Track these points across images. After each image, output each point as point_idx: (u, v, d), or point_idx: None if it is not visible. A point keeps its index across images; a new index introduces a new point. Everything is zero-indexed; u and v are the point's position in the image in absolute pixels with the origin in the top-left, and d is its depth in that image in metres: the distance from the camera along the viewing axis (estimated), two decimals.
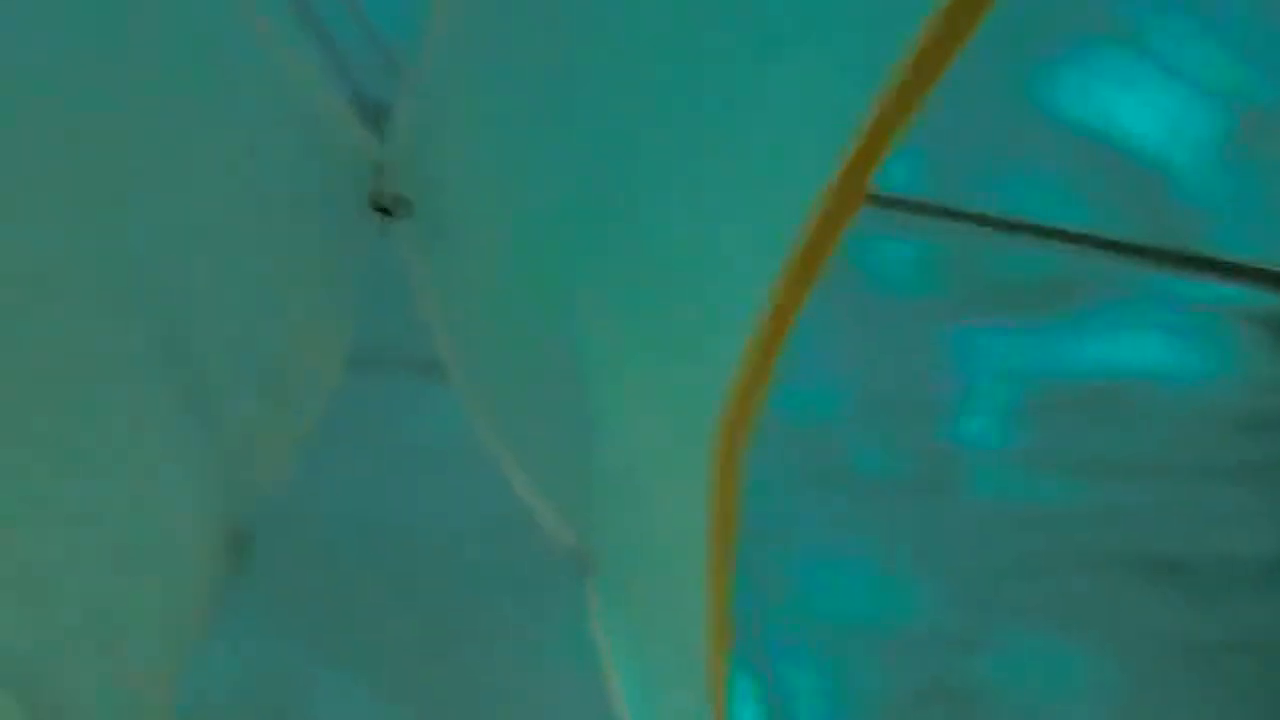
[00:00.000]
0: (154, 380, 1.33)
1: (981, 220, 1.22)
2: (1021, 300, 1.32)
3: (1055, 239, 1.24)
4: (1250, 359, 1.36)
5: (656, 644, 1.39)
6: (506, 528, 1.49)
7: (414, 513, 1.50)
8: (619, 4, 1.12)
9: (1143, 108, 1.15)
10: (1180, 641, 1.37)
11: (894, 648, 1.37)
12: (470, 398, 1.43)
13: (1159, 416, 1.38)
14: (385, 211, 1.34)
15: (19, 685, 1.21)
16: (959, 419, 1.36)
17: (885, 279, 1.25)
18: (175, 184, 1.25)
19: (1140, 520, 1.37)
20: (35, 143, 1.15)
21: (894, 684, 1.36)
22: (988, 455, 1.37)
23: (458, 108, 1.25)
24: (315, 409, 1.45)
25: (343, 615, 1.49)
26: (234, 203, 1.30)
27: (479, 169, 1.27)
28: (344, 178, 1.33)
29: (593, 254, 1.23)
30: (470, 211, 1.31)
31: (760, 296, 1.16)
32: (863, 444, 1.37)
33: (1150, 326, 1.35)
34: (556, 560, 1.49)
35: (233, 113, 1.25)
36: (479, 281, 1.35)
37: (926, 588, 1.39)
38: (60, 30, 1.11)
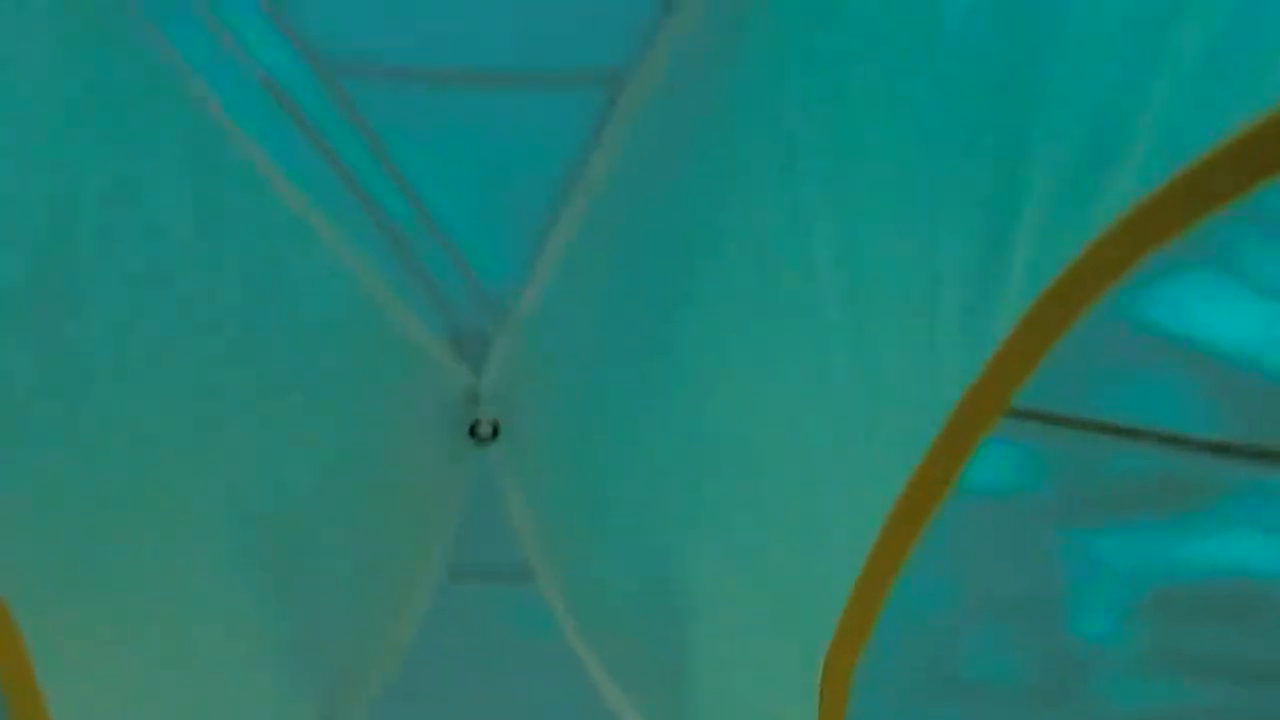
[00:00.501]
0: (253, 588, 1.37)
1: (1098, 426, 1.21)
2: (1133, 502, 1.29)
3: (1166, 442, 1.23)
4: None
5: None
6: None
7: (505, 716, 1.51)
8: (717, 269, 1.15)
9: (1236, 319, 1.14)
10: None
11: None
12: (560, 606, 1.45)
13: (1274, 616, 1.33)
14: (480, 434, 1.38)
15: None
16: (1073, 622, 1.33)
17: (993, 481, 1.24)
18: (284, 410, 1.30)
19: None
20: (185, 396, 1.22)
21: None
22: (1104, 658, 1.33)
23: (558, 346, 1.29)
24: (413, 620, 1.47)
25: None
26: (338, 426, 1.35)
27: (577, 403, 1.31)
28: (441, 404, 1.37)
29: (695, 498, 1.25)
30: (565, 438, 1.34)
31: (874, 517, 1.17)
32: (974, 650, 1.35)
33: (1262, 526, 1.31)
34: None
35: (339, 344, 1.30)
36: (572, 501, 1.37)
37: None
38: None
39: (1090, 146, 1.02)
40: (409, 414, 1.35)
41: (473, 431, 1.37)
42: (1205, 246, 1.07)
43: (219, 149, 1.18)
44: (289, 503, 1.34)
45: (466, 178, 1.33)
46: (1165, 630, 1.36)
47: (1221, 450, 1.29)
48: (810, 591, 1.24)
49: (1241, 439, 1.27)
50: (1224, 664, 1.34)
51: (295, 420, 1.30)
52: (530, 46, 1.26)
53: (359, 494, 1.36)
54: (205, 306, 1.21)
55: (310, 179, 1.27)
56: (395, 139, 1.32)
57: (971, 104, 0.99)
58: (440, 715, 1.52)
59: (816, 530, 1.21)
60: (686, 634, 1.37)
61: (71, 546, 1.23)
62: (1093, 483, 1.31)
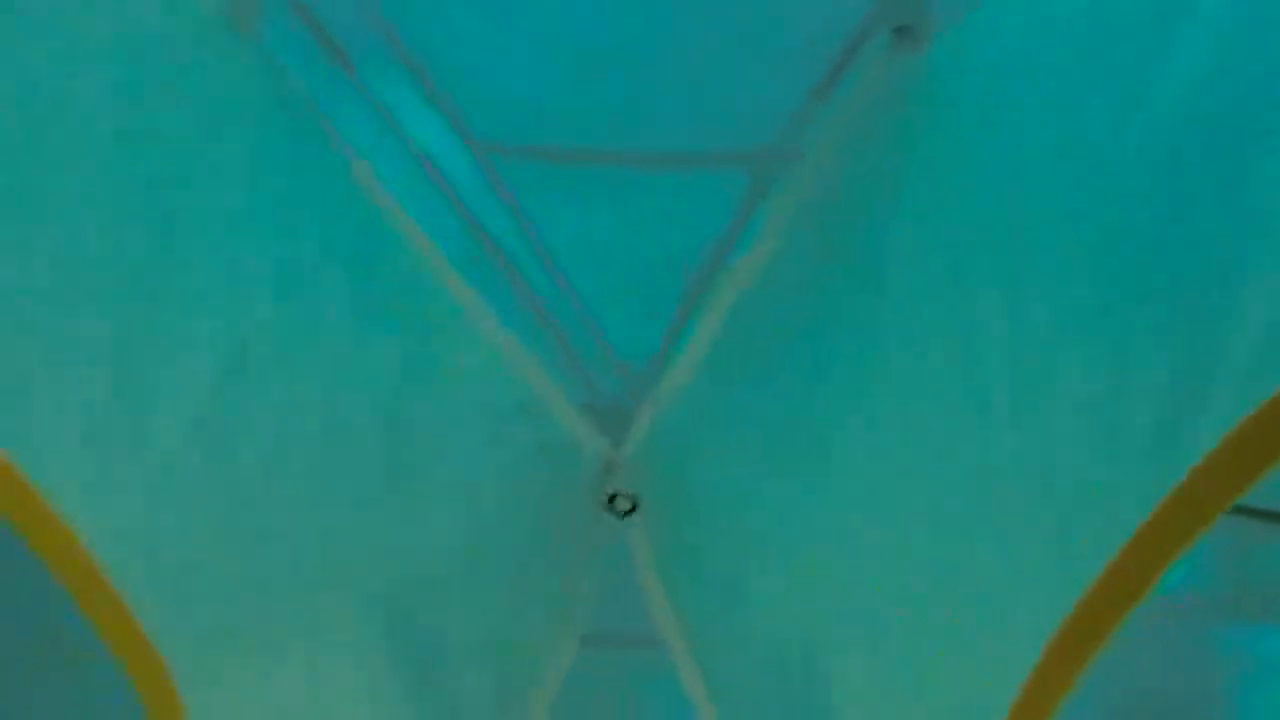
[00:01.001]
0: (389, 672, 1.38)
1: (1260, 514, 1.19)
2: None
3: None
4: None
5: None
6: None
7: None
8: (873, 364, 1.15)
9: None
10: None
11: None
12: (690, 674, 1.45)
13: None
14: (618, 508, 1.38)
15: None
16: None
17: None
18: (424, 493, 1.31)
19: None
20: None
21: None
22: None
23: (702, 425, 1.29)
24: (551, 688, 1.48)
25: None
26: (470, 497, 1.35)
27: (721, 485, 1.31)
28: (577, 475, 1.37)
29: (843, 595, 1.24)
30: (707, 520, 1.34)
31: (1039, 633, 1.14)
32: None
33: None
34: None
35: (482, 426, 1.30)
36: (710, 584, 1.37)
37: None
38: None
39: None
40: (548, 488, 1.36)
41: (610, 504, 1.37)
42: None
43: (381, 231, 1.19)
44: (427, 587, 1.35)
45: (612, 256, 1.34)
46: None
47: None
48: (966, 707, 1.22)
49: None
50: None
51: (436, 503, 1.30)
52: (681, 128, 1.27)
53: (492, 568, 1.37)
54: (356, 393, 1.22)
55: (460, 256, 1.29)
56: (540, 215, 1.34)
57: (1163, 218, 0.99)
58: None
59: (975, 643, 1.20)
60: None
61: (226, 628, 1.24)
62: (1251, 578, 1.30)
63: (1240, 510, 1.21)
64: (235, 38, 1.17)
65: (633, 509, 1.40)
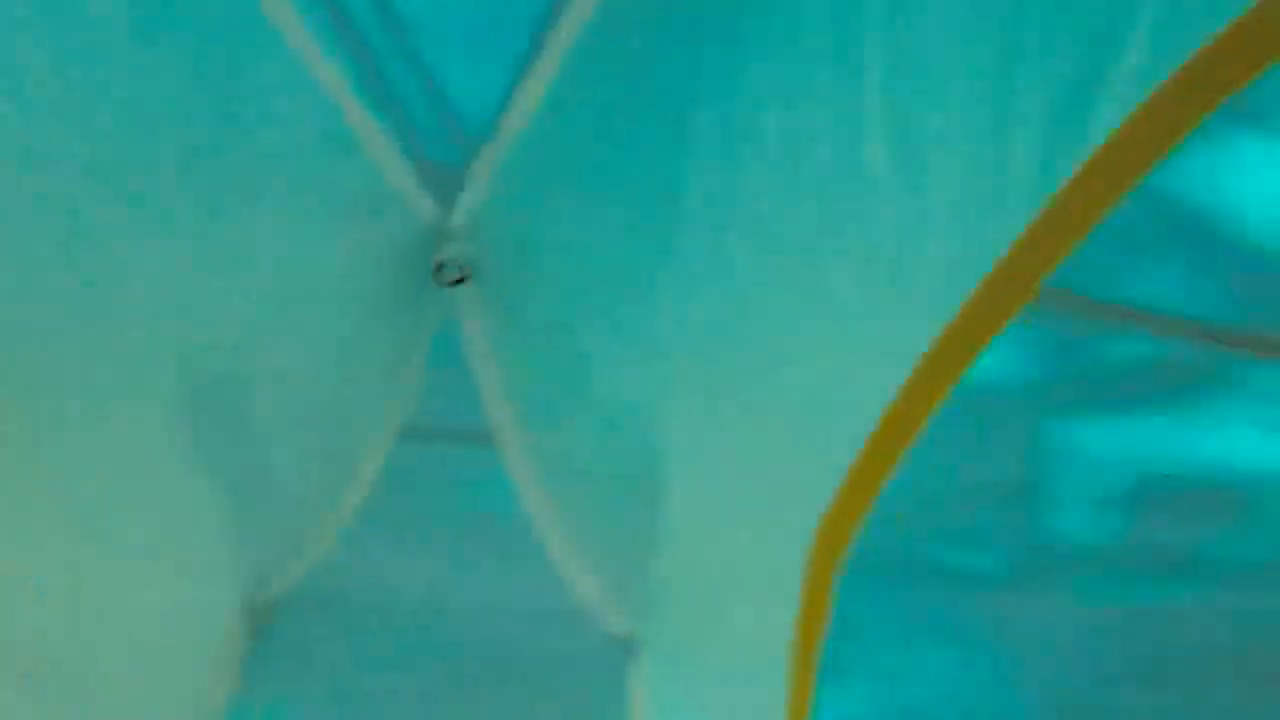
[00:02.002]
0: (203, 444, 1.28)
1: (1103, 309, 1.14)
2: (1125, 390, 1.23)
3: (1166, 327, 1.17)
4: None
5: None
6: (550, 609, 1.42)
7: (456, 590, 1.43)
8: (735, 115, 1.07)
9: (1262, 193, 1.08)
10: None
11: None
12: (521, 467, 1.37)
13: (1268, 515, 1.28)
14: (445, 277, 1.29)
15: None
16: (1056, 514, 1.27)
17: (985, 366, 1.18)
18: (230, 231, 1.21)
19: (1246, 623, 1.27)
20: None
21: None
22: (1086, 553, 1.28)
23: (540, 186, 1.21)
24: (366, 478, 1.40)
25: (370, 698, 1.42)
26: (289, 254, 1.26)
27: (560, 250, 1.23)
28: (406, 243, 1.28)
29: (691, 340, 1.18)
30: (541, 281, 1.26)
31: (876, 402, 1.10)
32: (954, 539, 1.29)
33: (1260, 422, 1.26)
34: (600, 645, 1.41)
35: (296, 163, 1.21)
36: (546, 350, 1.29)
37: (1018, 694, 1.30)
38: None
39: None
40: (369, 249, 1.26)
41: (438, 272, 1.28)
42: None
43: None
44: (230, 335, 1.24)
45: (454, 11, 1.25)
46: (1150, 525, 1.31)
47: (1220, 337, 1.23)
48: (806, 472, 1.16)
49: (1244, 325, 1.22)
50: (1217, 564, 1.28)
51: (241, 243, 1.20)
52: None
53: (309, 331, 1.27)
54: (144, 107, 1.11)
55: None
56: None
57: None
58: (384, 583, 1.44)
59: (820, 406, 1.13)
60: (662, 510, 1.30)
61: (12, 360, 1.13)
62: (1086, 370, 1.26)
63: (1086, 305, 1.17)
64: None
65: (461, 280, 1.32)
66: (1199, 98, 0.97)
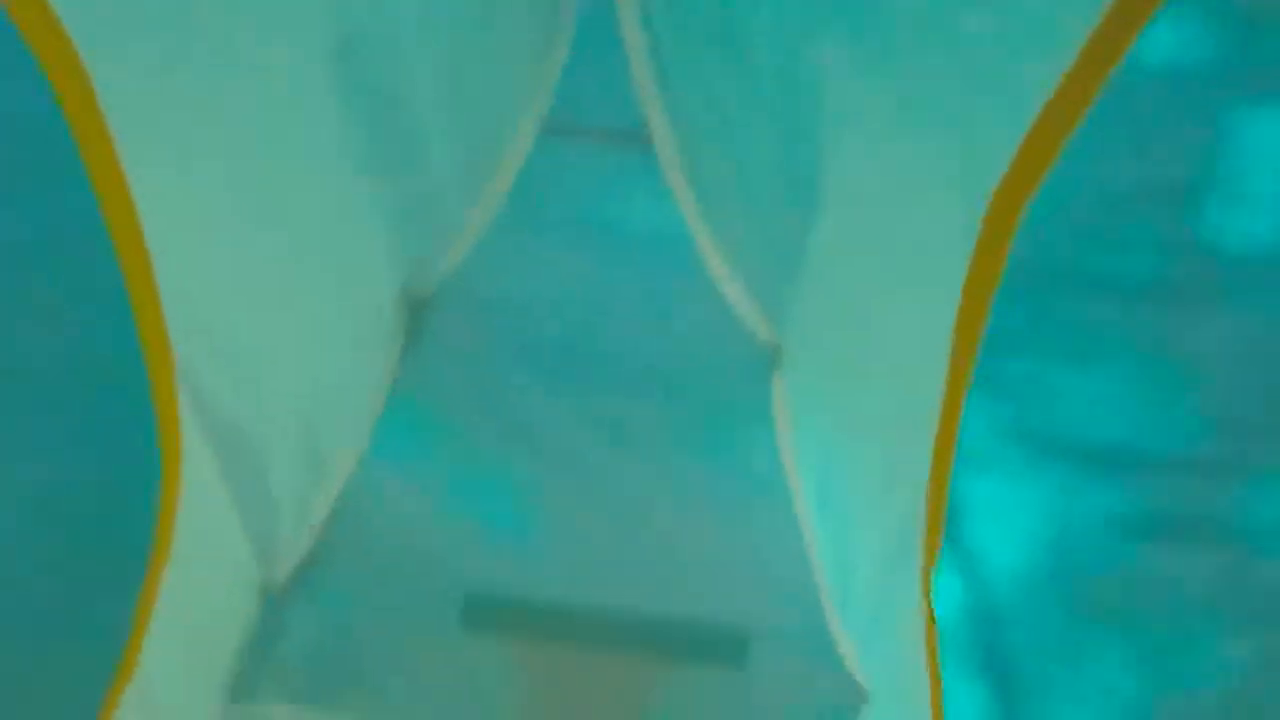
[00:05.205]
0: (360, 121, 1.23)
1: None
2: None
3: None
4: None
5: (861, 447, 1.29)
6: (695, 318, 1.39)
7: (601, 294, 1.41)
8: None
9: None
10: None
11: (1132, 472, 1.24)
12: (674, 170, 1.33)
13: None
14: None
15: (222, 438, 1.16)
16: (1224, 214, 1.20)
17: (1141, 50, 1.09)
18: None
19: None
20: None
21: (1125, 510, 1.24)
22: (1256, 256, 1.20)
23: None
24: (508, 174, 1.36)
25: (518, 392, 1.41)
26: None
27: None
28: None
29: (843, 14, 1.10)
30: None
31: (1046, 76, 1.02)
32: (1110, 246, 1.22)
33: None
34: (745, 355, 1.39)
35: None
36: (700, 44, 1.23)
37: (1176, 406, 1.25)
38: None
39: None
40: None
41: None
42: None
43: None
44: (382, 43, 1.19)
45: None
46: None
47: None
48: (971, 158, 1.10)
49: None
50: None
51: None
52: None
53: (463, 25, 1.22)
54: None
55: None
56: None
57: None
58: (529, 284, 1.42)
59: (987, 75, 1.06)
60: (817, 217, 1.24)
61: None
62: (1260, 55, 1.16)
63: None
64: None
65: None
66: None
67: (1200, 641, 1.22)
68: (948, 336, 1.17)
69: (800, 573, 1.34)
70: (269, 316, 1.18)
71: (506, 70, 1.30)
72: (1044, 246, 1.18)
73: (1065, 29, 1.02)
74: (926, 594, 1.14)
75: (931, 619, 1.14)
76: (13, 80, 0.91)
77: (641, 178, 1.34)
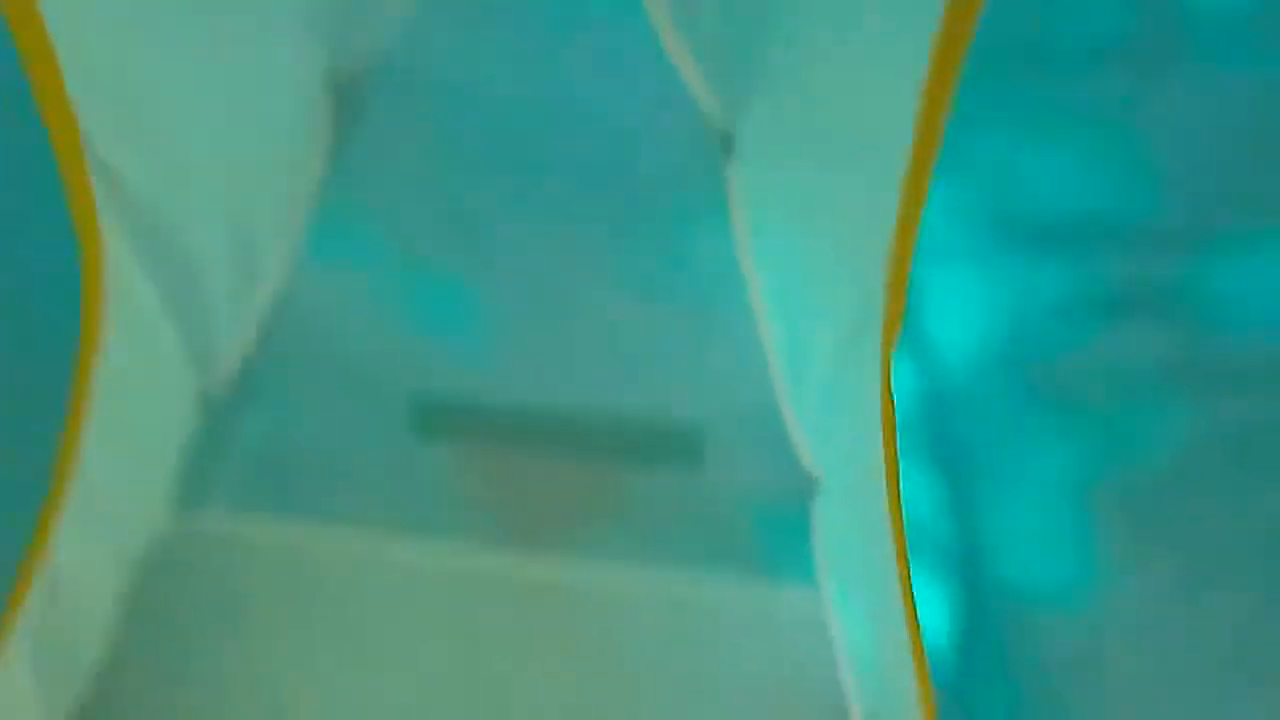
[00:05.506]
0: None
1: None
2: None
3: None
4: None
5: (818, 236, 1.25)
6: (651, 103, 1.33)
7: (547, 78, 1.34)
8: None
9: None
10: None
11: (1089, 247, 1.21)
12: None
13: None
14: None
15: (147, 235, 1.10)
16: None
17: None
18: None
19: None
20: None
21: (1082, 290, 1.22)
22: (1226, 18, 1.15)
23: None
24: None
25: (447, 197, 1.36)
26: None
27: None
28: None
29: None
30: None
31: None
32: (1076, 7, 1.17)
33: None
34: (700, 144, 1.34)
35: None
36: None
37: (1137, 175, 1.22)
38: None
39: None
40: None
41: None
42: None
43: None
44: None
45: None
46: None
47: None
48: None
49: None
50: None
51: None
52: None
53: None
54: None
55: None
56: None
57: None
58: (468, 67, 1.35)
59: None
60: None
61: None
62: None
63: None
64: None
65: None
66: None
67: (1144, 417, 1.21)
68: (911, 116, 1.13)
69: (756, 367, 1.32)
70: (177, 88, 1.11)
71: None
72: (1010, 11, 1.13)
73: None
74: (886, 379, 1.12)
75: (890, 403, 1.12)
76: None
77: None
